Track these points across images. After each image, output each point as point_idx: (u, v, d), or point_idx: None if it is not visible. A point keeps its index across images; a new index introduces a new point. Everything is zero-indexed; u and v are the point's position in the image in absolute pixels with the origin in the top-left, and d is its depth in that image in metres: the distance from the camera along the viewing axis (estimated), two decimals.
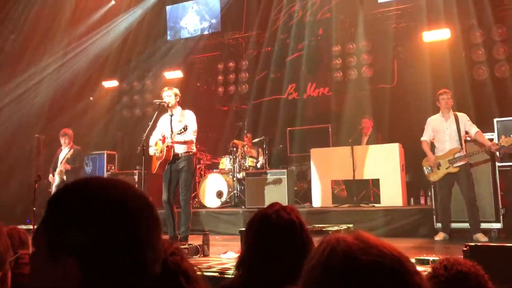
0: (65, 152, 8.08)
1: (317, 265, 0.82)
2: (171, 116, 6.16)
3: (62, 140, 8.18)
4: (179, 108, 6.21)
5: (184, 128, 5.78)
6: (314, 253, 0.85)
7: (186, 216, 6.05)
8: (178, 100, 6.20)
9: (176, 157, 6.04)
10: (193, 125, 6.10)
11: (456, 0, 8.45)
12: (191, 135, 6.05)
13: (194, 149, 6.21)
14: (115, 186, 0.90)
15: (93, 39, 10.98)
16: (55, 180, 7.92)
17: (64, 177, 7.82)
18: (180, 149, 6.05)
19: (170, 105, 6.12)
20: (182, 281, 1.38)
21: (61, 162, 7.95)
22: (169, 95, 6.11)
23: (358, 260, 0.78)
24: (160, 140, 6.12)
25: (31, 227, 6.03)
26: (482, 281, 1.75)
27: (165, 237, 1.59)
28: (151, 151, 6.14)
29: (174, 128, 6.00)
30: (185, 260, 1.50)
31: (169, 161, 6.03)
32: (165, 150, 5.98)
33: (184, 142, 6.02)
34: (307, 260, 0.85)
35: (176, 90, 6.23)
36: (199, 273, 1.53)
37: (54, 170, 8.05)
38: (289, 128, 10.12)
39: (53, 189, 7.90)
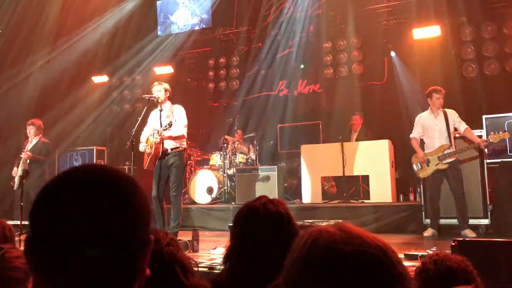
0: (32, 144, 7.65)
1: (299, 257, 0.80)
2: (161, 111, 6.13)
3: (28, 131, 7.69)
4: (168, 103, 6.17)
5: (169, 124, 5.77)
6: (296, 245, 0.83)
7: (177, 212, 6.02)
8: (168, 95, 6.17)
9: (166, 152, 6.00)
10: (182, 120, 6.06)
11: None
12: (181, 129, 6.02)
13: (184, 144, 6.18)
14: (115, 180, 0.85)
15: (82, 33, 10.87)
16: (18, 171, 7.41)
17: (27, 168, 7.19)
18: (169, 145, 6.01)
19: (159, 100, 6.09)
20: (178, 272, 1.36)
21: (24, 152, 7.48)
22: (159, 90, 6.08)
23: (340, 250, 0.77)
24: (151, 135, 6.09)
25: (18, 223, 5.96)
26: (471, 277, 1.76)
27: None
28: (141, 147, 6.12)
29: (163, 124, 5.97)
30: (181, 251, 1.49)
31: (159, 156, 5.99)
32: (154, 146, 5.95)
33: (175, 138, 5.98)
34: (289, 252, 0.84)
35: (166, 85, 6.19)
36: (193, 264, 1.52)
37: (19, 163, 7.55)
38: (279, 125, 10.13)
39: (16, 180, 7.41)
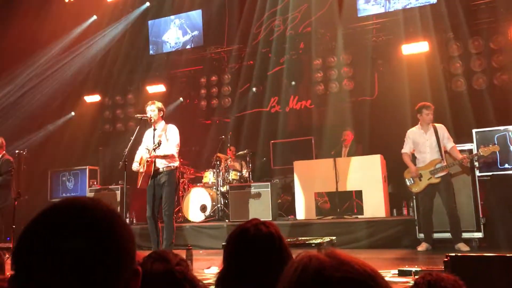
0: None
1: (289, 283, 0.82)
2: (154, 130, 6.17)
3: None
4: (162, 123, 6.20)
5: (158, 144, 5.82)
6: (286, 271, 0.84)
7: (169, 231, 6.02)
8: (162, 114, 6.20)
9: (158, 171, 6.03)
10: (175, 139, 6.09)
11: (432, 14, 8.65)
12: (172, 148, 6.05)
13: (176, 163, 6.19)
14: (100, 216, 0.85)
15: (74, 53, 10.92)
16: None
17: None
18: (161, 164, 6.05)
19: (152, 120, 6.11)
20: None
21: None
22: (153, 110, 6.11)
23: (330, 276, 0.78)
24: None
25: (10, 245, 5.90)
26: None
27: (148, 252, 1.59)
28: (134, 166, 6.16)
29: (156, 143, 5.99)
30: (190, 271, 1.51)
31: (151, 175, 6.01)
32: (145, 165, 5.98)
33: (164, 157, 6.01)
34: (280, 279, 0.85)
35: (160, 104, 6.22)
36: (201, 285, 1.55)
37: None
38: (272, 141, 10.16)
39: None
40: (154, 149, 5.88)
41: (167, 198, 6.00)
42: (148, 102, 6.31)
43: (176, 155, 6.18)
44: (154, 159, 6.00)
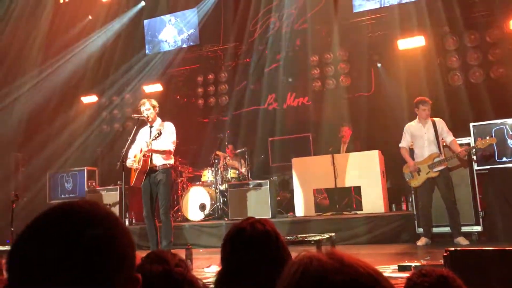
0: None
1: (289, 286, 0.79)
2: (151, 128, 6.11)
3: None
4: (158, 120, 6.16)
5: (158, 133, 5.73)
6: (286, 273, 0.81)
7: (168, 230, 5.97)
8: (157, 111, 6.16)
9: (154, 169, 5.96)
10: (171, 136, 6.05)
11: (428, 8, 8.64)
12: (168, 144, 5.99)
13: (171, 161, 6.15)
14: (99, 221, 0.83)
15: (70, 54, 10.88)
16: None
17: None
18: (157, 161, 5.98)
19: (150, 119, 6.07)
20: None
21: None
22: (148, 109, 6.05)
23: (332, 280, 0.75)
24: (139, 152, 6.05)
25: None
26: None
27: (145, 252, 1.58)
28: (129, 162, 6.04)
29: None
30: (190, 272, 1.50)
31: (146, 172, 5.93)
32: (142, 160, 5.91)
33: (162, 152, 5.94)
34: (279, 280, 0.82)
35: (153, 101, 6.15)
36: (202, 284, 1.54)
37: None
38: (270, 138, 10.15)
39: None
40: (154, 139, 5.77)
41: (163, 197, 5.94)
42: (141, 102, 6.22)
43: (173, 152, 6.14)
44: (151, 155, 5.92)
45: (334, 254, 0.81)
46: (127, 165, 6.05)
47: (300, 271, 0.79)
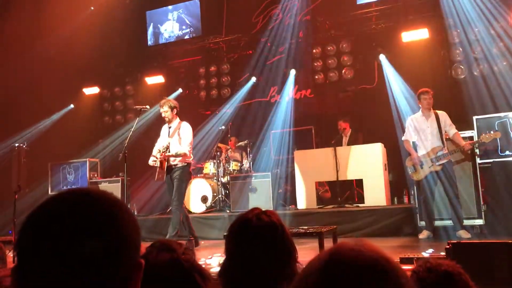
0: None
1: (314, 276, 0.76)
2: (169, 127, 6.48)
3: None
4: (177, 120, 6.48)
5: (166, 147, 6.19)
6: (310, 265, 0.79)
7: (175, 222, 6.26)
8: (175, 112, 6.48)
9: (170, 167, 6.36)
10: (187, 138, 6.36)
11: (432, 0, 8.57)
12: (184, 147, 6.32)
13: (189, 159, 6.45)
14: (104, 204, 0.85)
15: (72, 45, 10.83)
16: None
17: None
18: (174, 161, 6.35)
19: (167, 120, 6.42)
20: (197, 278, 1.38)
21: None
22: (165, 111, 6.40)
23: (363, 259, 0.75)
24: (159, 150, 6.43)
25: (12, 238, 5.91)
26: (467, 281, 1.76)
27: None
28: (150, 161, 6.45)
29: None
30: (196, 259, 1.51)
31: (165, 170, 6.36)
32: (160, 161, 6.32)
33: (177, 155, 6.30)
34: (303, 271, 0.79)
35: (171, 103, 6.46)
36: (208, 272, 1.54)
37: None
38: (272, 131, 10.13)
39: None
40: (164, 151, 6.22)
41: (176, 191, 6.30)
42: (160, 103, 6.57)
43: (189, 153, 6.41)
44: (165, 158, 6.30)
45: (362, 243, 0.80)
46: (149, 164, 6.47)
47: (328, 253, 0.78)
